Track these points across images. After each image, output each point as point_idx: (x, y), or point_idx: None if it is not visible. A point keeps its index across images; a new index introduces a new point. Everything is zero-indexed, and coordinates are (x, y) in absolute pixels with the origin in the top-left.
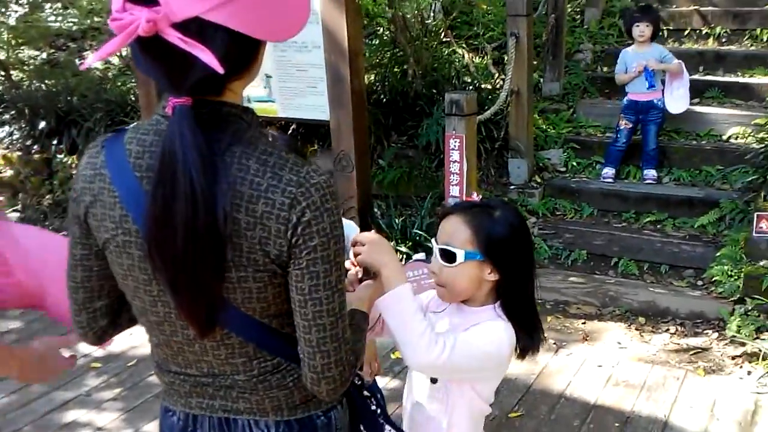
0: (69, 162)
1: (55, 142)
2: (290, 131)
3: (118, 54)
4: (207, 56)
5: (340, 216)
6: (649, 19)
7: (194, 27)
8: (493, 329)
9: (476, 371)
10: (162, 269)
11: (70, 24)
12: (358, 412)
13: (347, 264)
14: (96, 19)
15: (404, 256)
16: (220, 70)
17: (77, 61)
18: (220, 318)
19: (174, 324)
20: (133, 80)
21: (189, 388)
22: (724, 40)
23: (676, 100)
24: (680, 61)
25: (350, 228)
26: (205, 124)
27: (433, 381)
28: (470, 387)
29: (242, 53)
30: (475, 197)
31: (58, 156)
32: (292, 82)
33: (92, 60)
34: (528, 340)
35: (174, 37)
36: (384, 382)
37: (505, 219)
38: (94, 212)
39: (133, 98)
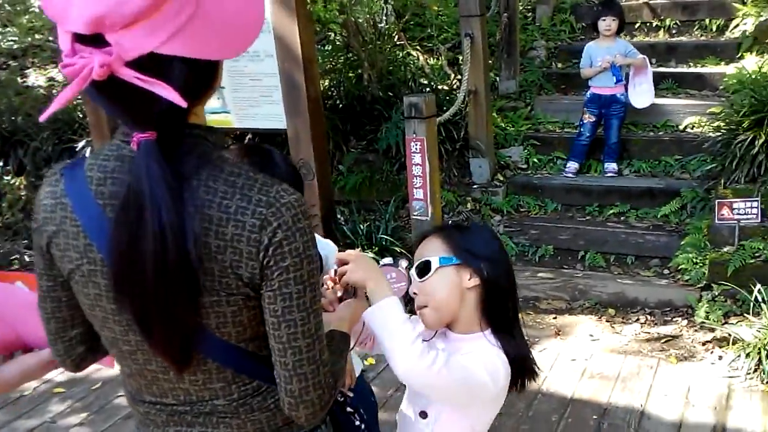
0: (17, 183)
1: (0, 163)
2: (246, 141)
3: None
4: (168, 92)
5: (313, 235)
6: (614, 13)
7: (149, 63)
8: (489, 359)
9: (468, 398)
10: (129, 304)
11: (11, 42)
12: (341, 429)
13: (328, 281)
14: (37, 36)
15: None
16: (183, 104)
17: (19, 80)
18: (195, 347)
19: (147, 353)
20: (79, 98)
21: (166, 417)
22: (674, 31)
23: (640, 94)
24: (644, 56)
25: (328, 247)
26: (171, 152)
27: (423, 416)
28: (464, 418)
29: (202, 78)
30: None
31: (5, 177)
32: (246, 92)
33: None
34: (521, 369)
35: (130, 77)
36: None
37: (476, 227)
38: (57, 242)
39: (81, 115)
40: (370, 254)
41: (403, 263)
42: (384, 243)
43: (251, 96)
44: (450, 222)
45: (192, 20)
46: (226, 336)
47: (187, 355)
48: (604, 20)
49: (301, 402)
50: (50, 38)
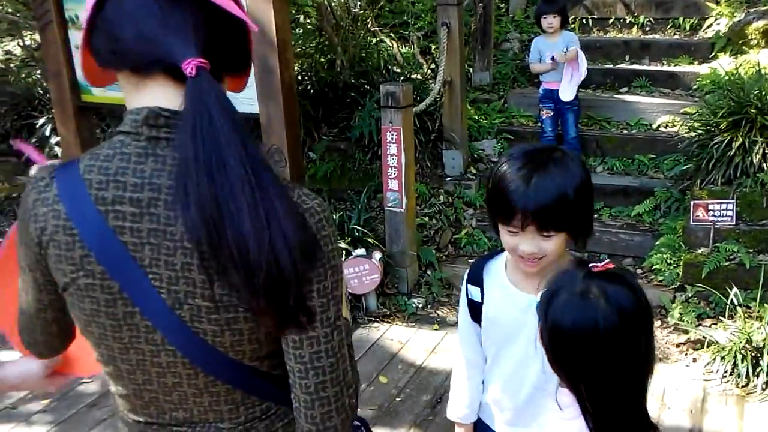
0: None
1: None
2: None
3: (21, 45)
4: (238, 10)
5: (338, 244)
6: (555, 11)
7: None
8: None
9: None
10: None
11: None
12: None
13: None
14: None
15: (344, 252)
16: (254, 28)
17: None
18: (205, 369)
19: (148, 372)
20: (38, 72)
21: None
22: (648, 29)
23: (566, 87)
24: (577, 48)
25: None
26: None
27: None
28: None
29: (246, 49)
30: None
31: None
32: None
33: None
34: None
35: None
36: None
37: None
38: (48, 254)
39: (41, 91)
40: (343, 245)
41: (377, 255)
42: (356, 234)
43: None
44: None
45: None
46: (240, 355)
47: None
48: (546, 18)
49: (324, 429)
50: (9, 10)
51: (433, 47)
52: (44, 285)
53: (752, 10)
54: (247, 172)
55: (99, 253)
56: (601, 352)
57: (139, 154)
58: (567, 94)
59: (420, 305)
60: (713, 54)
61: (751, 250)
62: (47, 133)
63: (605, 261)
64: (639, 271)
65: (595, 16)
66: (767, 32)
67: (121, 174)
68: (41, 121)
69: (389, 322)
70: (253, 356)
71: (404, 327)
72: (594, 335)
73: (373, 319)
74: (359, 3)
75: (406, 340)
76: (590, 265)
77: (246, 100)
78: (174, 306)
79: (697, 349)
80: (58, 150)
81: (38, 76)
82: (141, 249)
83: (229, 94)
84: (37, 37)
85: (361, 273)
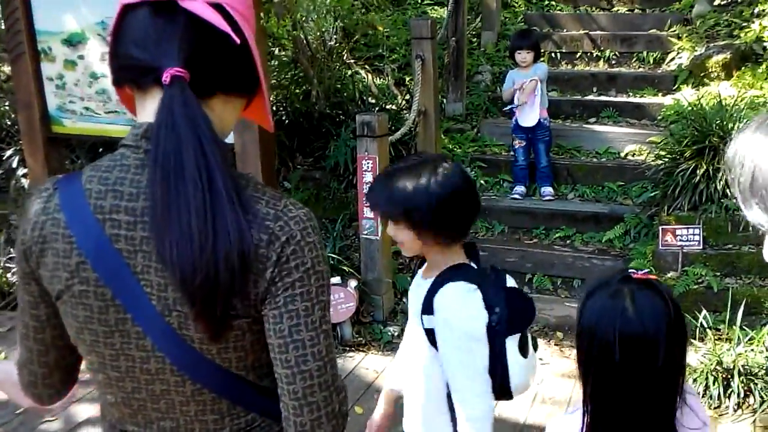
0: None
1: None
2: None
3: None
4: (225, 25)
5: (324, 252)
6: (529, 45)
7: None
8: None
9: None
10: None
11: None
12: None
13: None
14: None
15: None
16: (237, 41)
17: None
18: (191, 376)
19: (137, 380)
20: (7, 104)
21: None
22: (613, 62)
23: (527, 112)
24: (535, 79)
25: None
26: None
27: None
28: None
29: (244, 70)
30: None
31: None
32: None
33: None
34: None
35: (198, 6)
36: None
37: None
38: (45, 261)
39: (8, 122)
40: None
41: (352, 283)
42: (331, 262)
43: None
44: None
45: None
46: (227, 363)
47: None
48: (520, 53)
49: None
50: None
51: (408, 79)
52: (40, 296)
53: (712, 44)
54: (202, 177)
55: (94, 260)
56: (621, 353)
57: (137, 166)
58: (529, 119)
59: (396, 333)
60: (676, 86)
61: (718, 274)
62: (14, 164)
63: (645, 270)
64: None
65: (564, 50)
66: (726, 65)
67: (119, 184)
68: (8, 152)
69: (365, 351)
70: (240, 364)
71: (380, 356)
72: (613, 337)
73: (348, 348)
74: (335, 36)
75: (382, 369)
76: (630, 271)
77: None
78: (164, 312)
79: None
80: (24, 182)
81: (6, 107)
82: (134, 256)
83: None
84: (5, 68)
85: (336, 301)
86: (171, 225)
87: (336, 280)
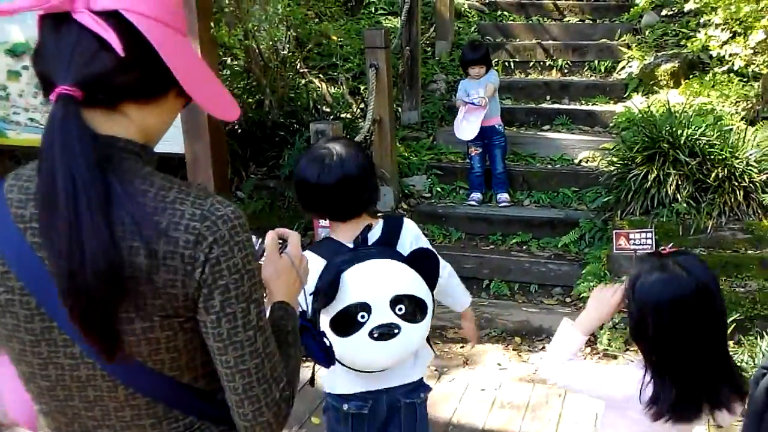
0: None
1: None
2: None
3: None
4: (117, 43)
5: (253, 249)
6: (480, 60)
7: (111, 20)
8: None
9: None
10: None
11: None
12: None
13: None
14: None
15: None
16: (120, 51)
17: None
18: (123, 380)
19: (69, 387)
20: None
21: None
22: (566, 71)
23: (465, 128)
24: (484, 96)
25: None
26: (96, 160)
27: None
28: None
29: (150, 75)
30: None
31: None
32: None
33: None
34: None
35: (87, 19)
36: None
37: None
38: None
39: None
40: None
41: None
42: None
43: None
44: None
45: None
46: (159, 365)
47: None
48: (473, 68)
49: (257, 424)
50: None
51: (362, 88)
52: None
53: (660, 53)
54: (68, 198)
55: (18, 268)
56: (688, 313)
57: None
58: (467, 133)
59: None
60: (627, 94)
61: None
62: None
63: (671, 244)
64: (568, 299)
65: (517, 60)
66: (675, 74)
67: None
68: None
69: None
70: (173, 366)
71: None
72: (682, 299)
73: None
74: (288, 45)
75: None
76: (660, 249)
77: (171, 139)
78: None
79: None
80: None
81: None
82: None
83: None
84: None
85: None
86: (50, 244)
87: None
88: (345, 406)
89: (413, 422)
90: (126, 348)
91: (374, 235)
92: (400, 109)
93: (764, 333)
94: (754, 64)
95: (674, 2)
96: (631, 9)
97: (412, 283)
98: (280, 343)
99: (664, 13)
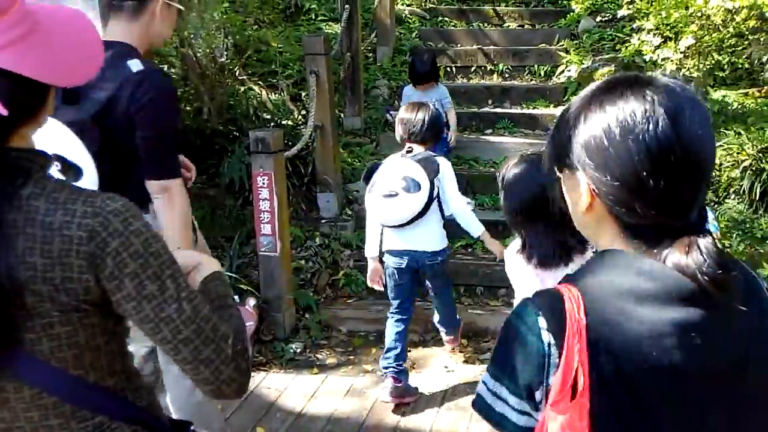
0: None
1: None
2: None
3: None
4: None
5: (153, 232)
6: (429, 74)
7: None
8: None
9: None
10: None
11: None
12: None
13: None
14: None
15: None
16: (4, 112)
17: None
18: (26, 378)
19: None
20: None
21: None
22: (507, 75)
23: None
24: (451, 111)
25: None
26: None
27: None
28: None
29: (29, 97)
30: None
31: None
32: None
33: None
34: None
35: None
36: None
37: None
38: None
39: None
40: None
41: (251, 302)
42: (229, 281)
43: None
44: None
45: (25, 39)
46: (63, 364)
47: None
48: (425, 86)
49: (221, 383)
50: None
51: (303, 94)
52: None
53: (598, 58)
54: None
55: None
56: (535, 199)
57: None
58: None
59: (298, 350)
60: (566, 97)
61: None
62: None
63: None
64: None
65: (459, 65)
66: None
67: None
68: None
69: (266, 370)
70: (77, 365)
71: (282, 374)
72: (531, 188)
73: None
74: (226, 53)
75: (284, 388)
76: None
77: None
78: None
79: None
80: None
81: None
82: None
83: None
84: None
85: None
86: None
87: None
88: (390, 261)
89: (434, 277)
90: (27, 346)
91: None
92: (342, 115)
93: None
94: (685, 67)
95: (608, 8)
96: (569, 15)
97: (415, 171)
98: (221, 307)
99: (600, 18)
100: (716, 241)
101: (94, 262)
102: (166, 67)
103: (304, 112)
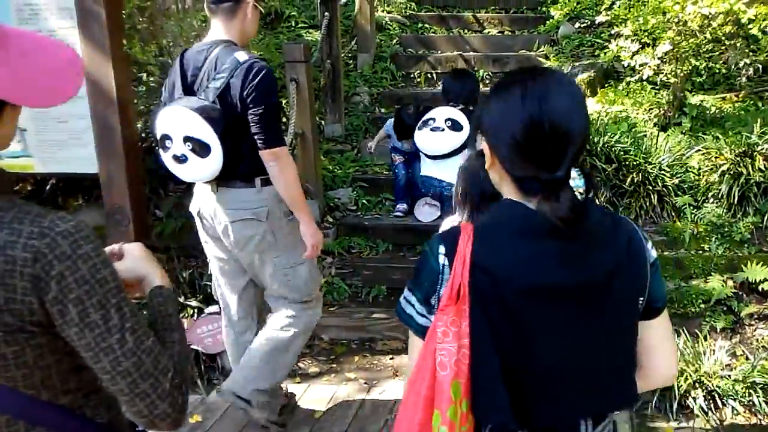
0: None
1: None
2: (48, 186)
3: None
4: None
5: (103, 257)
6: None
7: None
8: None
9: None
10: None
11: None
12: None
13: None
14: None
15: (195, 310)
16: None
17: None
18: None
19: None
20: None
21: None
22: (488, 81)
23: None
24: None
25: None
26: None
27: None
28: None
29: None
30: None
31: None
32: (53, 135)
33: None
34: None
35: None
36: None
37: None
38: None
39: None
40: (194, 303)
41: None
42: (209, 290)
43: (59, 138)
44: None
45: None
46: (12, 382)
47: None
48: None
49: (155, 417)
50: None
51: (284, 102)
52: None
53: (577, 63)
54: None
55: None
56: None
57: None
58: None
59: None
60: None
61: None
62: None
63: None
64: None
65: (439, 71)
66: (591, 83)
67: None
68: None
69: None
70: (27, 384)
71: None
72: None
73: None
74: None
75: None
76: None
77: (84, 159)
78: None
79: None
80: None
81: None
82: None
83: (69, 155)
84: None
85: (215, 331)
86: None
87: (214, 308)
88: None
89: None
90: None
91: None
92: (323, 123)
93: (681, 331)
94: (663, 73)
95: (587, 15)
96: (548, 21)
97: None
98: (163, 330)
99: (578, 24)
100: (576, 193)
101: (38, 285)
102: (145, 76)
103: (284, 119)
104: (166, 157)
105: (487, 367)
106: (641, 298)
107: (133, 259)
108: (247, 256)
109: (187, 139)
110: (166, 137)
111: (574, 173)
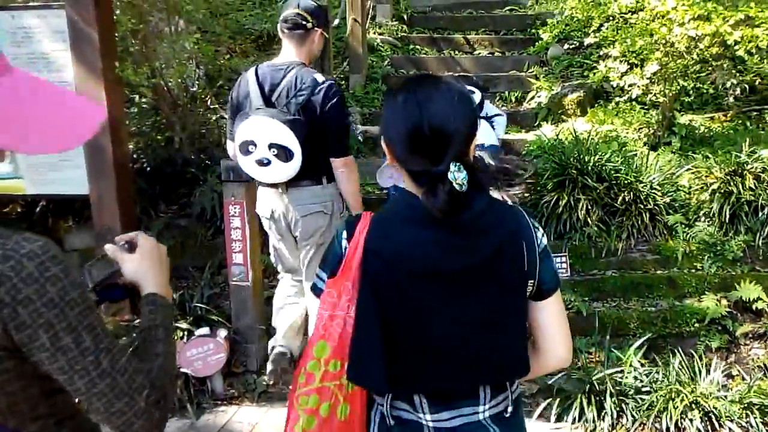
0: None
1: None
2: (38, 208)
3: None
4: None
5: (72, 277)
6: None
7: None
8: None
9: None
10: None
11: None
12: None
13: None
14: None
15: (185, 332)
16: None
17: None
18: None
19: None
20: None
21: None
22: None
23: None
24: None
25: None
26: None
27: None
28: None
29: None
30: None
31: None
32: (44, 156)
33: None
34: None
35: None
36: None
37: None
38: None
39: None
40: (184, 325)
41: (222, 333)
42: (199, 312)
43: (49, 160)
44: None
45: None
46: None
47: None
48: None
49: None
50: None
51: None
52: None
53: (567, 84)
54: None
55: None
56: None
57: None
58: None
59: (271, 382)
60: (537, 122)
61: (586, 299)
62: None
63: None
64: None
65: None
66: (581, 103)
67: None
68: None
69: (237, 404)
70: None
71: (254, 407)
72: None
73: (219, 402)
74: (198, 82)
75: (256, 422)
76: None
77: (74, 180)
78: None
79: (547, 398)
80: None
81: None
82: None
83: (60, 176)
84: None
85: (205, 353)
86: None
87: (204, 330)
88: None
89: None
90: None
91: None
92: None
93: (676, 351)
94: (651, 93)
95: (576, 36)
96: (538, 42)
97: None
98: (148, 341)
99: (567, 46)
100: (454, 185)
101: (3, 311)
102: (137, 98)
103: None
104: (248, 161)
105: (367, 338)
106: (531, 281)
107: (140, 260)
108: (309, 247)
109: (272, 145)
110: (250, 143)
111: (452, 166)
